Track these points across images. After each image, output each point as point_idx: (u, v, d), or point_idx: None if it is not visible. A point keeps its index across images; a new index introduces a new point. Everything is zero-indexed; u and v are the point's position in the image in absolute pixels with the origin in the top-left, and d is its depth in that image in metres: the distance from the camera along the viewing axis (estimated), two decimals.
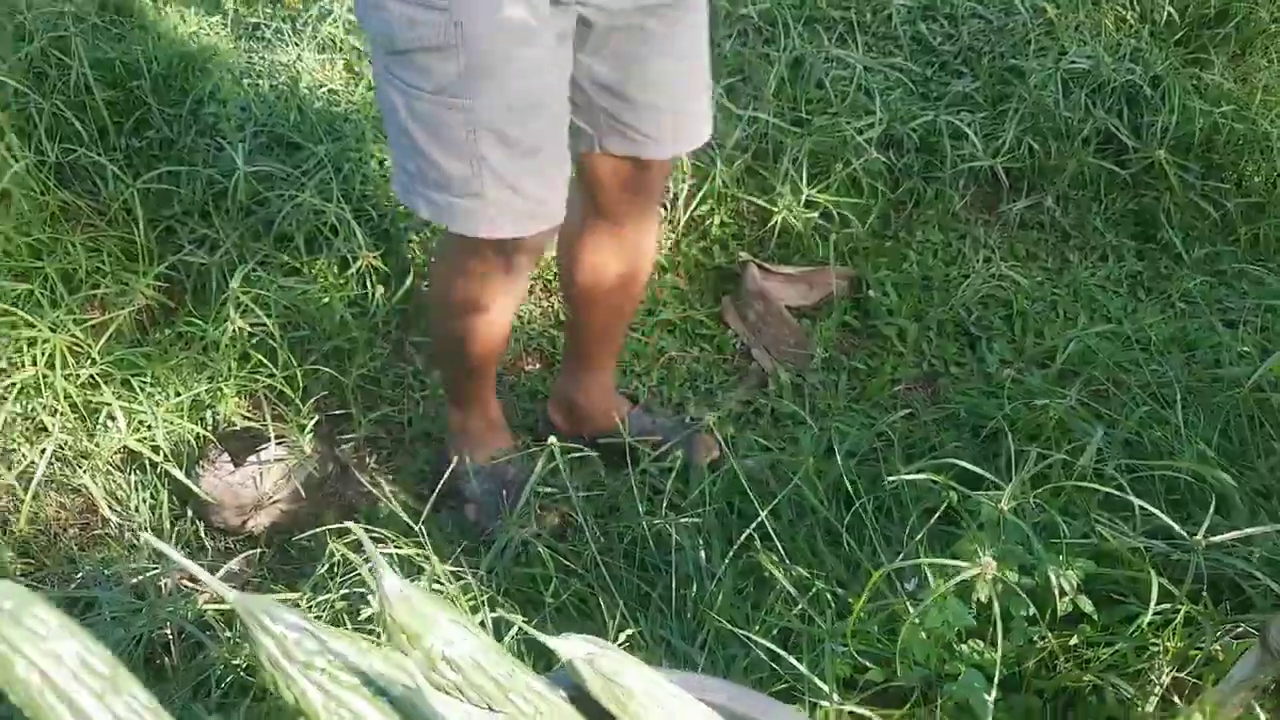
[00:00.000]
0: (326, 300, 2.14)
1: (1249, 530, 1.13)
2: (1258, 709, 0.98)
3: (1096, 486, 1.24)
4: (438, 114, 1.30)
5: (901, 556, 1.32)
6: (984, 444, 1.89)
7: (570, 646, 0.75)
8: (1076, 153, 2.47)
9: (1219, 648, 1.08)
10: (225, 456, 1.88)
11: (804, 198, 2.33)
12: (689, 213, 2.37)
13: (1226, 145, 2.51)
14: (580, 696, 0.76)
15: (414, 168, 1.35)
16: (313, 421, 1.98)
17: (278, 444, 1.90)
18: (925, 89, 2.63)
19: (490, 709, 0.69)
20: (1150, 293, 2.34)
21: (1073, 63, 2.57)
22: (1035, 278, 2.37)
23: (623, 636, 1.30)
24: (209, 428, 1.96)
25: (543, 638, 0.77)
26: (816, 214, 2.34)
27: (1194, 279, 2.29)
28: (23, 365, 1.92)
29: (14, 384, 1.89)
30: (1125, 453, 1.62)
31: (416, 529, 1.41)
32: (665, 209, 2.39)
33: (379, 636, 0.90)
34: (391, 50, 1.28)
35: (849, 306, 2.30)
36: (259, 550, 1.78)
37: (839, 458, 1.69)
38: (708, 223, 2.39)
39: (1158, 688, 1.08)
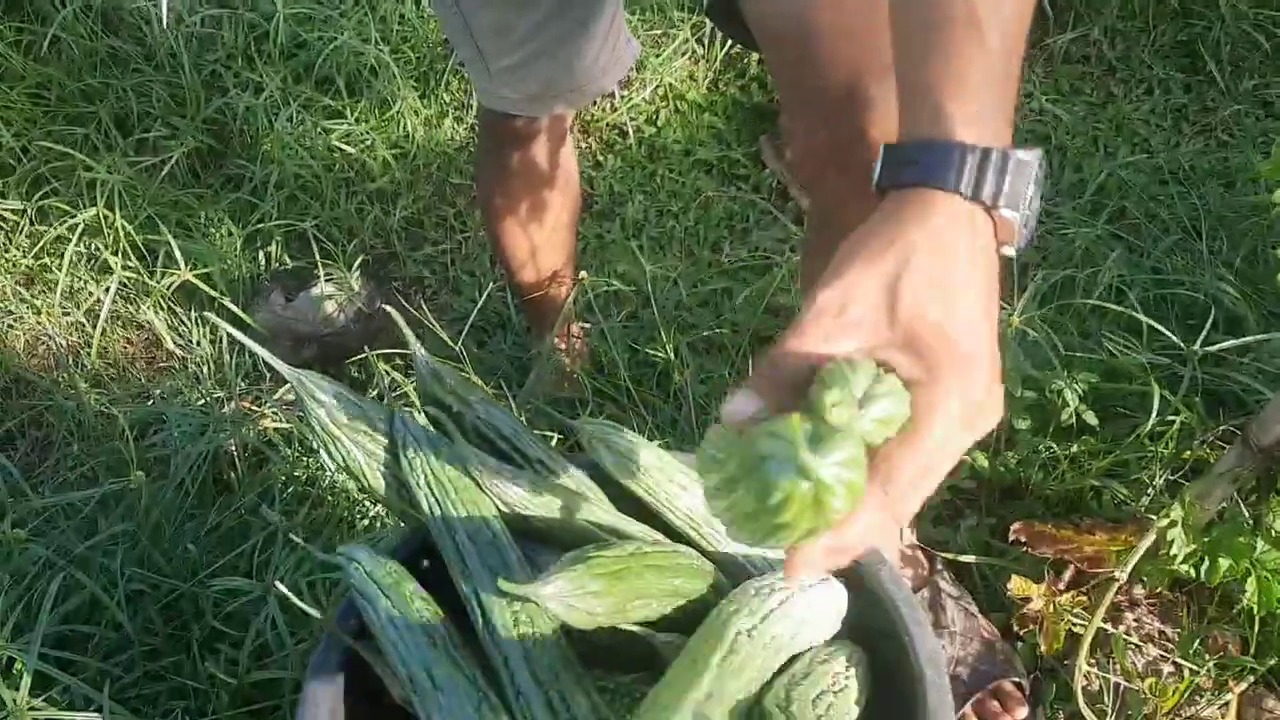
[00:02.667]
0: (369, 142, 2.19)
1: (1243, 340, 1.16)
2: (1240, 504, 1.04)
3: (1104, 304, 1.27)
4: (439, 7, 1.27)
5: None
6: (1018, 277, 1.92)
7: (590, 427, 0.83)
8: None
9: (1208, 451, 1.13)
10: (278, 292, 1.97)
11: None
12: (725, 50, 2.36)
13: None
14: (597, 475, 0.84)
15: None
16: (359, 260, 2.05)
17: (327, 281, 1.98)
18: None
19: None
20: (1195, 126, 2.30)
21: None
22: (1078, 112, 2.34)
23: None
24: (260, 266, 2.05)
25: (565, 420, 0.84)
26: None
27: (1239, 110, 2.25)
28: (83, 206, 2.01)
29: (78, 223, 1.98)
30: (1152, 281, 1.64)
31: (456, 349, 1.49)
32: (702, 46, 2.39)
33: None
34: None
35: None
36: None
37: None
38: (745, 60, 2.38)
39: (1150, 489, 1.14)
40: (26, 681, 1.01)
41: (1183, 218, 1.87)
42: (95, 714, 1.01)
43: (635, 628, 0.73)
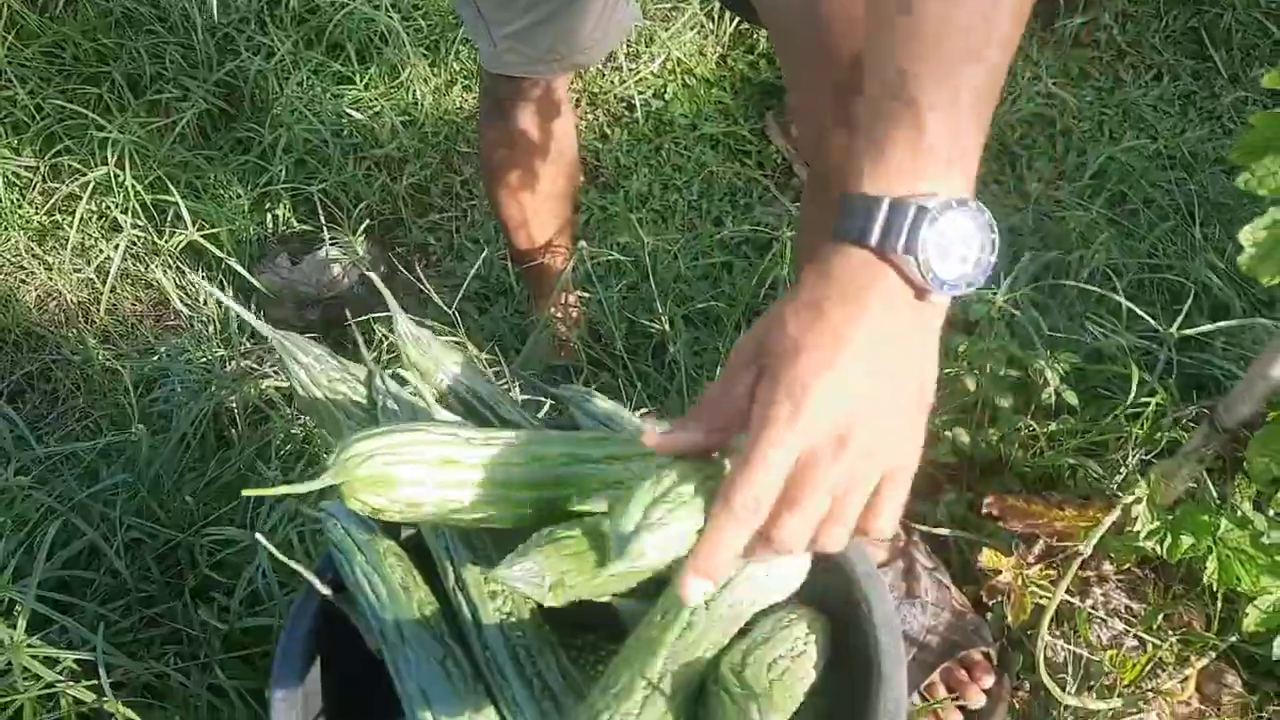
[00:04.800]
0: (377, 109, 2.22)
1: (1219, 324, 1.18)
2: (1209, 484, 1.06)
3: (1088, 287, 1.29)
4: None
5: None
6: (1012, 261, 1.94)
7: (569, 392, 0.85)
8: None
9: (1182, 433, 1.15)
10: (284, 255, 2.00)
11: None
12: (735, 25, 2.37)
13: None
14: None
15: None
16: (364, 225, 2.08)
17: (332, 245, 2.01)
18: None
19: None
20: (1201, 112, 2.30)
21: None
22: (1085, 97, 2.34)
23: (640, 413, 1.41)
24: (268, 229, 2.08)
25: (546, 387, 0.87)
26: None
27: (1245, 97, 2.25)
28: (95, 165, 2.04)
29: (88, 182, 2.02)
30: (1143, 266, 1.66)
31: (450, 313, 1.52)
32: (711, 21, 2.39)
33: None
34: None
35: None
36: (315, 338, 1.91)
37: None
38: (754, 36, 2.39)
39: (1124, 468, 1.16)
40: (24, 621, 1.05)
41: (1180, 203, 1.88)
42: (90, 654, 1.05)
43: (601, 599, 0.76)
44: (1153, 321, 1.20)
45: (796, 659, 0.75)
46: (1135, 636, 1.09)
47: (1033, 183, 2.15)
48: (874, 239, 0.62)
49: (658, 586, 0.75)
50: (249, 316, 0.76)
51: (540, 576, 0.64)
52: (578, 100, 2.35)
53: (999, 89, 0.66)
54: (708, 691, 0.69)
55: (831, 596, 0.84)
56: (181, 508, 1.35)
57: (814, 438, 0.61)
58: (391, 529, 0.81)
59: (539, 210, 1.61)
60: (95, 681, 1.02)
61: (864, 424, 0.61)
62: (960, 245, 0.63)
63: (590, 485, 0.70)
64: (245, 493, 0.61)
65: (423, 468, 0.65)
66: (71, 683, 1.01)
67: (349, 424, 0.76)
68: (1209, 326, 1.19)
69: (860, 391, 0.61)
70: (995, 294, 1.26)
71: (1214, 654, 1.08)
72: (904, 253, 0.62)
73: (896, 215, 0.62)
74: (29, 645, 1.01)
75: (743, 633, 0.76)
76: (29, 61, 2.18)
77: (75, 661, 1.07)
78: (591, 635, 0.76)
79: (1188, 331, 1.18)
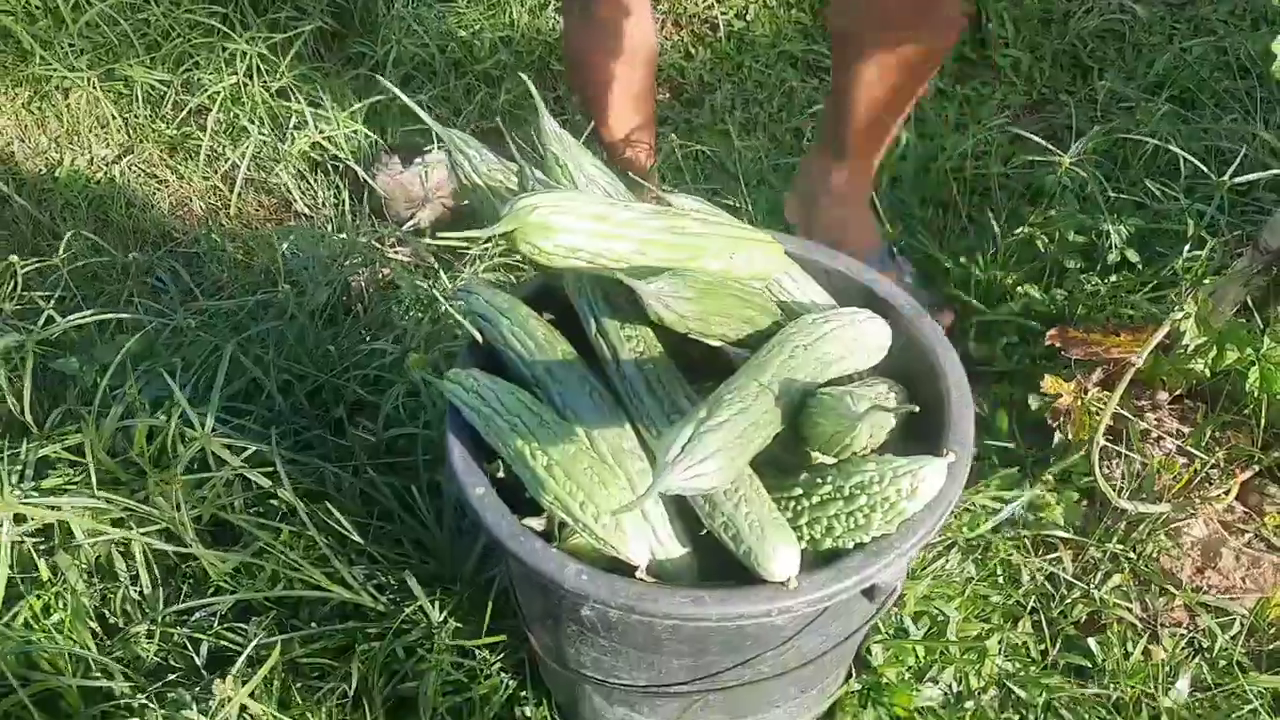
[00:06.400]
0: (479, 28, 2.37)
1: (1268, 173, 1.28)
2: (1254, 313, 1.16)
3: (1146, 139, 1.39)
4: None
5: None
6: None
7: (680, 199, 0.99)
8: None
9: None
10: (395, 159, 2.16)
11: None
12: None
13: None
14: None
15: None
16: (469, 131, 2.24)
17: (439, 149, 2.17)
18: None
19: None
20: (1276, 26, 2.35)
21: None
22: (1157, 12, 2.41)
23: None
24: (378, 140, 2.25)
25: (660, 193, 1.01)
26: None
27: None
28: (223, 76, 2.22)
29: (219, 92, 2.20)
30: (1207, 137, 1.74)
31: None
32: None
33: None
34: None
35: (967, 38, 2.40)
36: (419, 232, 2.08)
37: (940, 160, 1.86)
38: None
39: (1179, 307, 1.27)
40: (210, 421, 1.22)
41: (1246, 102, 1.96)
42: (264, 446, 1.22)
43: (714, 341, 0.90)
44: (1206, 169, 1.30)
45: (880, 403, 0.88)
46: (1184, 452, 1.20)
47: (1102, 90, 2.23)
48: None
49: (762, 340, 0.89)
50: (421, 112, 0.92)
51: (670, 295, 0.77)
52: (663, 23, 2.48)
53: None
54: (806, 406, 0.83)
55: (912, 371, 0.97)
56: (324, 355, 1.52)
57: None
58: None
59: (620, 100, 1.74)
60: (270, 469, 1.19)
61: None
62: None
63: (711, 248, 0.84)
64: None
65: (581, 219, 0.79)
66: (250, 468, 1.18)
67: (501, 207, 0.91)
68: (1257, 175, 1.28)
69: None
70: (1063, 157, 1.37)
71: (1258, 467, 1.19)
72: None
73: None
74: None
75: (830, 384, 0.90)
76: None
77: (246, 460, 1.24)
78: (710, 381, 0.91)
79: (1239, 179, 1.28)
